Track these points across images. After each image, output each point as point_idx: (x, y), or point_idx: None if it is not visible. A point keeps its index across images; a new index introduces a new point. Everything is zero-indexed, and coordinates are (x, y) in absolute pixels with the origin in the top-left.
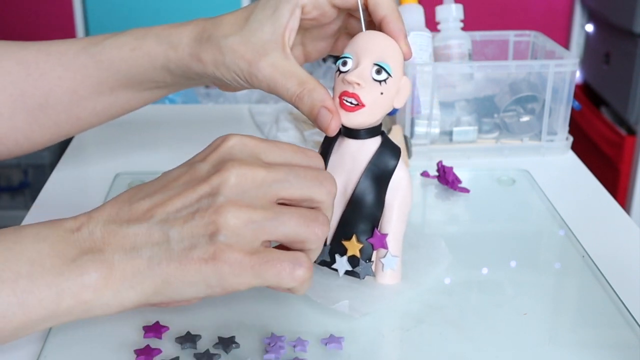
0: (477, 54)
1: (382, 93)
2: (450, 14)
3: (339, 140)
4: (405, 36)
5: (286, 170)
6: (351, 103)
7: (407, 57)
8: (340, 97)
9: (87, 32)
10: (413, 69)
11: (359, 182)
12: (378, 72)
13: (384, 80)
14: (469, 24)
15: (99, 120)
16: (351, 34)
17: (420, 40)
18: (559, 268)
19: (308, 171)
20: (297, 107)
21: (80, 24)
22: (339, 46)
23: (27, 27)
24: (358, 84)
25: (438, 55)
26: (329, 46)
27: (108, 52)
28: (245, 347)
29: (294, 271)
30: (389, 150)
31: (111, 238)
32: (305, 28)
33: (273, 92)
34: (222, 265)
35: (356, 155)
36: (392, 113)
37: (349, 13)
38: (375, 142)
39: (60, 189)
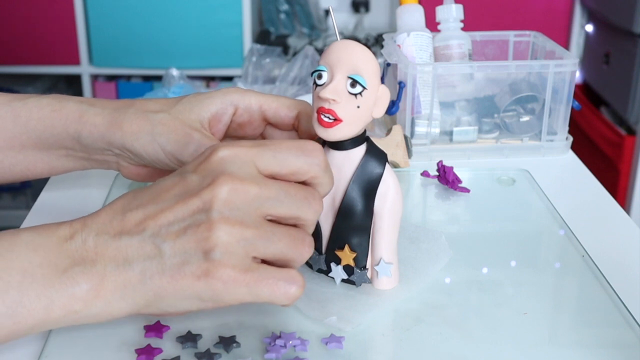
0: (477, 54)
1: (358, 106)
2: (451, 14)
3: (325, 151)
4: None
5: (277, 188)
6: (329, 118)
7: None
8: (317, 113)
9: (88, 33)
10: (413, 69)
11: (346, 192)
12: (353, 85)
13: (360, 93)
14: (469, 24)
15: (3, 175)
16: None
17: (420, 40)
18: (559, 268)
19: (299, 190)
20: None
21: (81, 24)
22: None
23: (28, 28)
24: (333, 100)
25: (438, 56)
26: None
27: (29, 109)
28: (246, 346)
29: (289, 290)
30: (374, 158)
31: (103, 249)
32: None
33: None
34: (216, 282)
35: (341, 166)
36: (393, 112)
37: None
38: (360, 151)
39: (61, 189)
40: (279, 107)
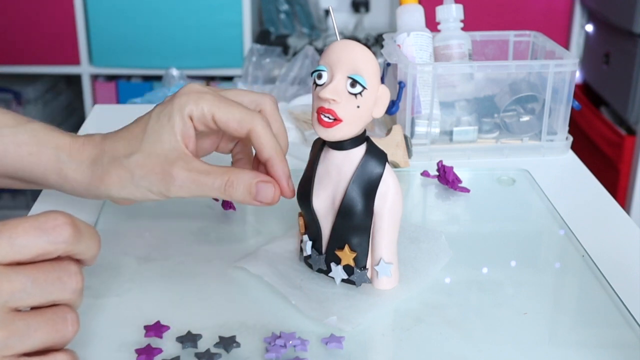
0: (477, 54)
1: (358, 106)
2: (451, 14)
3: (324, 151)
4: (289, 177)
5: (22, 277)
6: (329, 118)
7: (288, 196)
8: (317, 113)
9: (88, 33)
10: (413, 69)
11: (345, 193)
12: (353, 85)
13: (360, 93)
14: (469, 24)
15: None
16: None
17: (420, 40)
18: (559, 268)
19: (50, 272)
20: (229, 197)
21: (81, 24)
22: (222, 146)
23: (28, 28)
24: (333, 100)
25: (438, 55)
26: (213, 146)
27: (5, 144)
28: (246, 346)
29: None
30: (374, 158)
31: None
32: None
33: (196, 194)
34: None
35: (341, 166)
36: (393, 112)
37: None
38: (360, 151)
39: None
40: (229, 121)
